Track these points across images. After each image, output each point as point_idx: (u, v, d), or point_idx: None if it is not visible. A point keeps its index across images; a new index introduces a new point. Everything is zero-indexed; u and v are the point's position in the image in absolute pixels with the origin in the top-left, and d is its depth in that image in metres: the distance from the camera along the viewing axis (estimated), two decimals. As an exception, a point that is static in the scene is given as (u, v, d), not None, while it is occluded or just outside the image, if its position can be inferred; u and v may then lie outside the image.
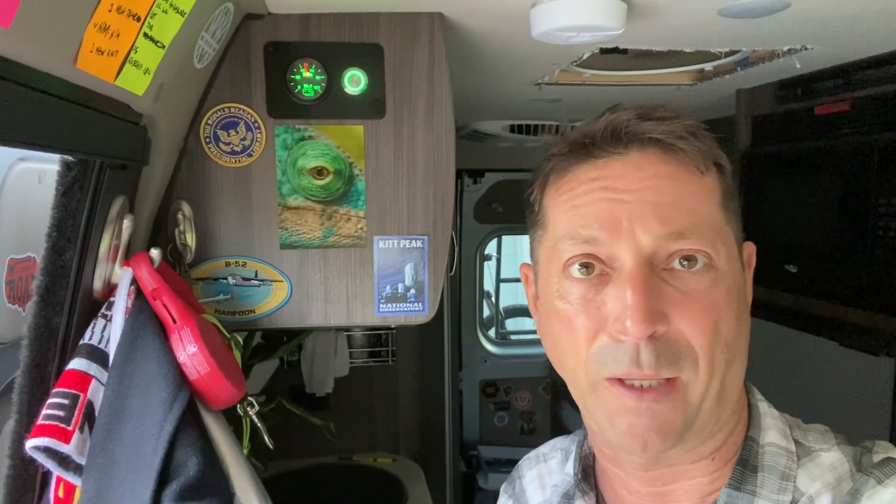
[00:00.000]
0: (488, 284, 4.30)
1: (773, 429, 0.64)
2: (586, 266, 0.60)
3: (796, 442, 0.64)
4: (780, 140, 1.76)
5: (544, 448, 0.86)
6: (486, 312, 4.26)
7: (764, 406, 0.67)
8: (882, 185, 1.42)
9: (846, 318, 1.49)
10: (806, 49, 1.34)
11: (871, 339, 1.41)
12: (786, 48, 1.36)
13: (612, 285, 0.58)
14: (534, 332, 4.48)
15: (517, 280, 4.52)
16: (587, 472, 0.73)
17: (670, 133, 0.60)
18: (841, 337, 1.48)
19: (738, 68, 1.55)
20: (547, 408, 3.89)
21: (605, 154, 0.61)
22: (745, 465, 0.62)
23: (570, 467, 0.75)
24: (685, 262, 0.58)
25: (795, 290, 1.65)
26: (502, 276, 4.47)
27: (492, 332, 4.13)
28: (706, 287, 0.57)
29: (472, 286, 3.71)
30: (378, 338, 2.52)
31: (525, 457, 0.88)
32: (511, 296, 4.78)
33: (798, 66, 1.44)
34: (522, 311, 4.77)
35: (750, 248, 0.67)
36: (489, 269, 4.25)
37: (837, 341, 1.49)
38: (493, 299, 4.52)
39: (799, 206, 1.67)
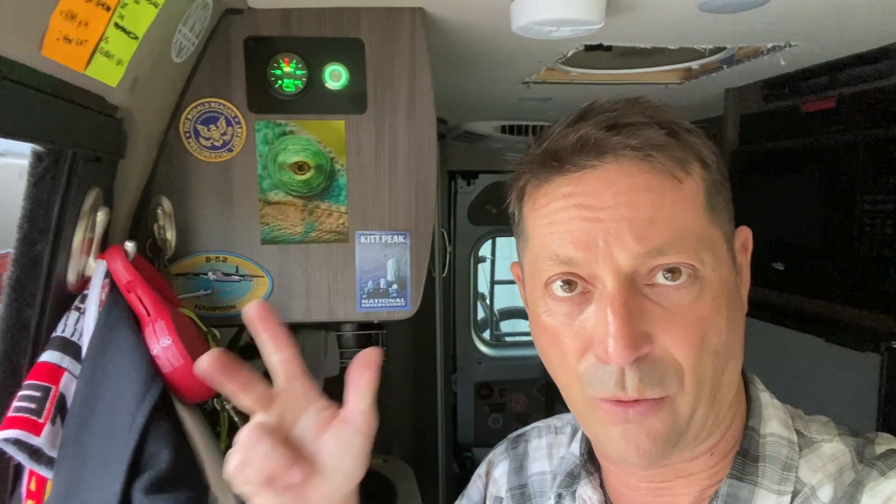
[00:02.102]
0: (483, 286, 4.30)
1: (775, 419, 0.64)
2: (568, 283, 0.58)
3: (798, 433, 0.63)
4: (768, 138, 1.76)
5: (556, 421, 0.85)
6: (481, 314, 4.25)
7: (766, 397, 0.66)
8: (868, 181, 1.42)
9: (832, 314, 1.49)
10: (790, 46, 1.34)
11: (857, 336, 1.41)
12: (769, 45, 1.36)
13: (594, 305, 0.57)
14: (529, 333, 4.47)
15: (512, 282, 4.55)
16: (592, 453, 0.73)
17: (645, 142, 0.57)
18: (827, 333, 1.48)
19: (724, 66, 1.55)
20: (542, 410, 3.88)
21: (578, 168, 0.58)
22: (746, 455, 0.61)
23: (575, 447, 0.75)
24: (668, 275, 0.56)
25: (782, 288, 1.64)
26: (497, 277, 4.47)
27: (486, 335, 4.13)
28: (691, 300, 0.56)
29: (466, 288, 3.70)
30: (369, 338, 2.50)
31: (534, 425, 0.87)
32: (506, 298, 4.78)
33: (783, 63, 1.44)
34: (517, 314, 4.77)
35: (745, 234, 0.65)
36: (483, 270, 4.25)
37: (824, 338, 1.49)
38: (488, 301, 4.52)
39: (786, 204, 1.67)
